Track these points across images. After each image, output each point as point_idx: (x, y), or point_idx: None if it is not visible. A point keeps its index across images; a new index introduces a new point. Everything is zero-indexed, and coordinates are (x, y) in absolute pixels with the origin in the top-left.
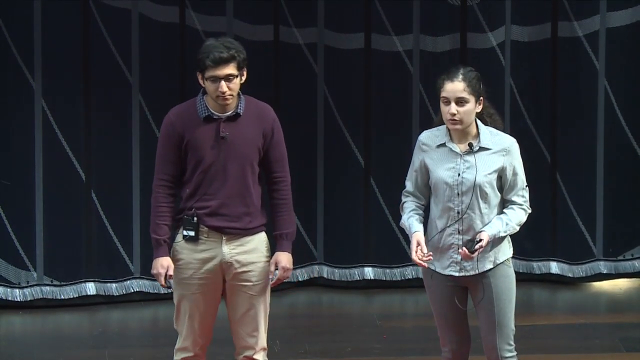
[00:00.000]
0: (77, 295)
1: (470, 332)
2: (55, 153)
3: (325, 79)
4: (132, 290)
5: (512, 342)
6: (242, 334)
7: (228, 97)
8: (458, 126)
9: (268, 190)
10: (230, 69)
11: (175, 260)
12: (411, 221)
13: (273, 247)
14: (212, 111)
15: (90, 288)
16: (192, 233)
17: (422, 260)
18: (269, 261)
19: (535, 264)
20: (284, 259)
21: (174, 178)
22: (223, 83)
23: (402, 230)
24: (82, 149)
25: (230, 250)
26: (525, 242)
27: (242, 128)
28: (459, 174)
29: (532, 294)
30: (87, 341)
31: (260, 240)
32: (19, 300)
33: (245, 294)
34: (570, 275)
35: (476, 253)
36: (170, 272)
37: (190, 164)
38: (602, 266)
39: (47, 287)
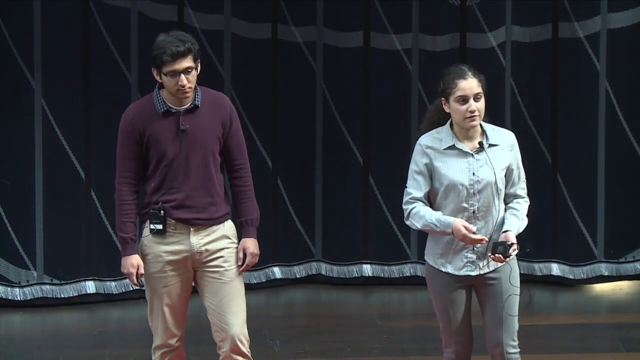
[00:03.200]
0: (76, 294)
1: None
2: (55, 153)
3: (324, 77)
4: (132, 289)
5: (516, 339)
6: (219, 324)
7: (188, 90)
8: (476, 122)
9: (229, 178)
10: (188, 62)
11: (143, 255)
12: (438, 215)
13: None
14: (170, 105)
15: (90, 287)
16: (159, 226)
17: (478, 239)
18: (237, 247)
19: (536, 266)
20: (251, 244)
21: (136, 175)
22: (183, 76)
23: (400, 228)
24: (82, 148)
25: (198, 240)
26: (526, 243)
27: (201, 119)
28: (473, 174)
29: (533, 296)
30: (87, 340)
31: (227, 228)
32: (19, 299)
33: (218, 281)
34: (571, 277)
35: (510, 257)
36: (142, 271)
37: (153, 159)
38: (603, 268)
39: (47, 286)
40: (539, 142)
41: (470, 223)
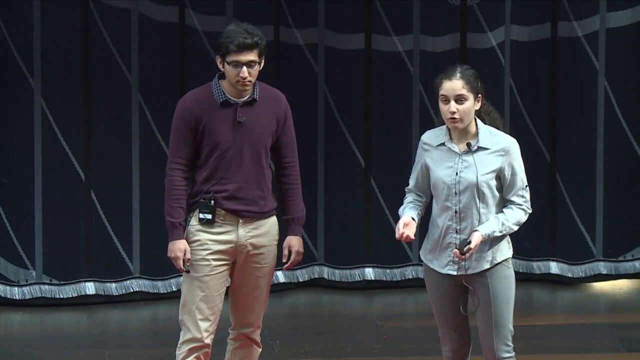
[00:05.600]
0: (76, 295)
1: (471, 331)
2: (55, 153)
3: (326, 79)
4: (132, 290)
5: (509, 343)
6: (243, 312)
7: (248, 83)
8: (458, 124)
9: (277, 175)
10: (253, 56)
11: (189, 243)
12: (404, 209)
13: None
14: (229, 96)
15: (90, 287)
16: (209, 216)
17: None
18: (277, 245)
19: (535, 264)
20: (297, 242)
21: (188, 161)
22: (245, 69)
23: None
24: (82, 148)
25: (245, 233)
26: (525, 242)
27: (257, 113)
28: (456, 173)
29: (531, 294)
30: (86, 341)
31: (272, 223)
32: (17, 298)
33: (253, 275)
34: (569, 275)
35: (467, 255)
36: (188, 256)
37: (206, 148)
38: (602, 267)
39: (46, 286)
40: (537, 141)
41: (454, 223)
